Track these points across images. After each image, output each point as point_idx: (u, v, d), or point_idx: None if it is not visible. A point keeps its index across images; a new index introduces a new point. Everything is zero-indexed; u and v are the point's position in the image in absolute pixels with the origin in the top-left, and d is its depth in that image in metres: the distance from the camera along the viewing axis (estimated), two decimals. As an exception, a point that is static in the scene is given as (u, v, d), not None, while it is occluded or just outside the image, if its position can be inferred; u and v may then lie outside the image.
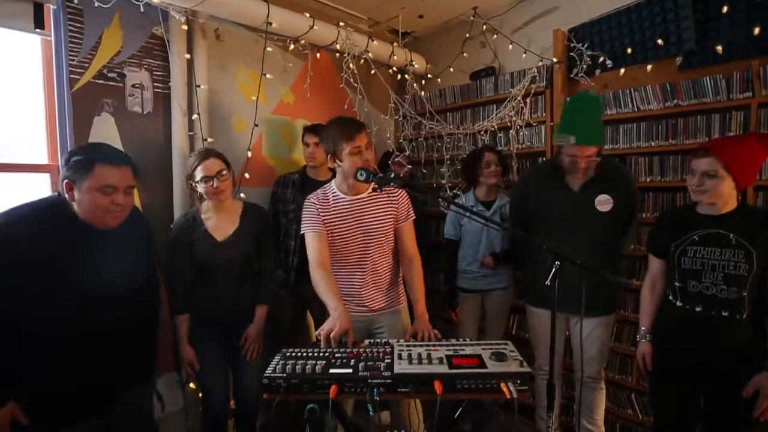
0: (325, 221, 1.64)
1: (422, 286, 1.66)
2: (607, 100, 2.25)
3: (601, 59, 2.29)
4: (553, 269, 1.32)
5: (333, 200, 1.67)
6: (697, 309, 1.50)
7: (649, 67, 2.14)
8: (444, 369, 1.11)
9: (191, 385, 2.13)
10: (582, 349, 1.89)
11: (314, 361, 1.17)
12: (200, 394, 1.95)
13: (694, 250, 1.51)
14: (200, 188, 1.72)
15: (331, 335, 1.31)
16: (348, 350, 1.27)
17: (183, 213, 1.81)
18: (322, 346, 1.30)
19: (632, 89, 2.16)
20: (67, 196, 1.24)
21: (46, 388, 1.23)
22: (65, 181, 1.23)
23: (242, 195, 2.27)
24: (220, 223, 1.80)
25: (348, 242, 1.66)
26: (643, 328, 1.72)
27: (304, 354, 1.24)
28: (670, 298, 1.60)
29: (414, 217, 1.73)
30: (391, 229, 1.70)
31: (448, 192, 2.87)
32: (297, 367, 1.13)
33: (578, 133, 1.75)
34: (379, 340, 1.42)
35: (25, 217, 1.21)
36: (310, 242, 1.62)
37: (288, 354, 1.25)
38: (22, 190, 1.81)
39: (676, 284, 1.56)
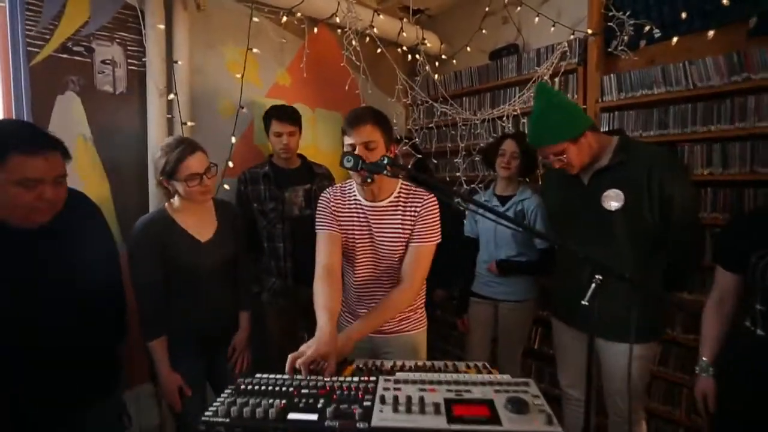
0: (339, 221, 1.39)
1: (387, 312, 1.31)
2: (654, 77, 1.88)
3: (647, 28, 1.92)
4: (593, 285, 1.00)
5: (349, 201, 1.41)
6: None
7: (710, 33, 1.75)
8: (440, 423, 0.81)
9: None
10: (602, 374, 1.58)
11: (272, 399, 0.90)
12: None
13: None
14: (181, 187, 1.44)
15: (299, 362, 1.04)
16: (321, 383, 0.99)
17: (149, 214, 1.55)
18: (286, 372, 1.04)
19: (687, 62, 1.78)
20: None
21: None
22: None
23: (226, 186, 2.03)
24: (198, 223, 1.54)
25: (357, 254, 1.40)
26: (704, 358, 1.35)
27: (264, 388, 0.97)
28: (747, 324, 1.23)
29: (435, 242, 1.36)
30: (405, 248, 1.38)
31: (465, 186, 2.54)
32: (246, 408, 0.86)
33: (530, 136, 1.51)
34: (363, 366, 1.16)
35: None
36: (319, 242, 1.39)
37: (243, 387, 0.98)
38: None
39: (758, 307, 1.19)
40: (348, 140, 1.29)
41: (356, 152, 1.26)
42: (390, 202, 1.36)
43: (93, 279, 1.23)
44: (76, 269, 1.19)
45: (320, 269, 1.32)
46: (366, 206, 1.37)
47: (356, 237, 1.39)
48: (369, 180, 1.26)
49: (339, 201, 1.41)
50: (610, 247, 1.41)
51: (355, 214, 1.39)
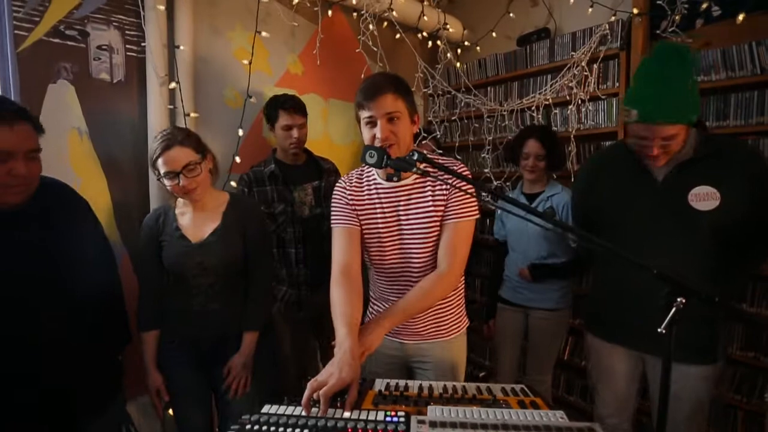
0: (358, 212, 1.23)
1: (423, 299, 1.15)
2: (713, 62, 1.66)
3: (704, 6, 1.70)
4: (672, 311, 0.82)
5: (368, 186, 1.24)
6: None
7: (786, 8, 1.54)
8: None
9: (170, 411, 1.78)
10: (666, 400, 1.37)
11: (282, 448, 0.74)
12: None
13: None
14: (166, 184, 1.34)
15: (319, 394, 0.88)
16: (341, 422, 0.83)
17: (155, 208, 1.45)
18: (302, 404, 0.88)
19: (753, 44, 1.56)
20: None
21: None
22: None
23: (233, 183, 1.87)
24: (197, 221, 1.41)
25: (383, 244, 1.23)
26: None
27: (273, 428, 0.82)
28: None
29: (473, 217, 1.20)
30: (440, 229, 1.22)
31: (494, 183, 2.35)
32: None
33: (644, 105, 1.17)
34: (385, 391, 0.98)
35: None
36: (335, 240, 1.23)
37: (248, 427, 0.82)
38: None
39: None
40: (366, 113, 1.12)
41: (378, 126, 1.10)
42: (416, 178, 1.19)
43: (81, 275, 1.14)
44: (58, 263, 1.10)
45: (336, 271, 1.17)
46: (389, 188, 1.20)
47: (380, 225, 1.21)
48: (395, 179, 1.08)
49: (356, 188, 1.24)
50: (689, 255, 1.21)
51: (377, 199, 1.21)
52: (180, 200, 1.42)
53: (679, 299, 0.80)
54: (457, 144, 2.55)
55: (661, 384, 0.88)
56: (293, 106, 1.80)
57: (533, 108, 2.20)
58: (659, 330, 0.82)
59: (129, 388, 1.40)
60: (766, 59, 1.54)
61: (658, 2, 1.82)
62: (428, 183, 1.19)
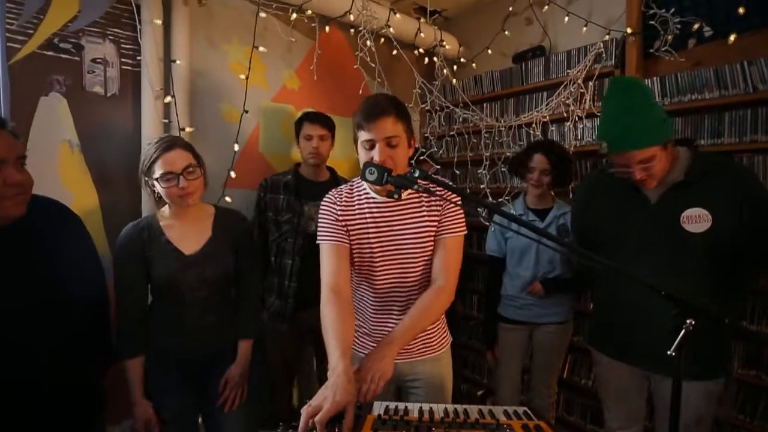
0: (349, 229, 1.20)
1: (426, 316, 1.14)
2: (706, 80, 1.69)
3: (696, 26, 1.73)
4: (682, 332, 0.80)
5: (359, 202, 1.21)
6: None
7: (777, 29, 1.57)
8: None
9: (158, 436, 1.70)
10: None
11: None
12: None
13: None
14: (160, 188, 1.30)
15: (315, 420, 0.84)
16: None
17: (134, 221, 1.38)
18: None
19: (746, 63, 1.59)
20: None
21: None
22: None
23: (227, 199, 1.84)
24: (187, 233, 1.37)
25: (375, 261, 1.20)
26: None
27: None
28: None
29: (463, 233, 1.22)
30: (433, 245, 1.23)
31: (489, 200, 2.34)
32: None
33: (611, 136, 1.22)
34: (385, 416, 0.94)
35: None
36: (324, 257, 1.18)
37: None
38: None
39: None
40: (365, 135, 1.10)
41: (377, 149, 1.09)
42: (410, 193, 1.18)
43: (68, 291, 1.11)
44: (51, 282, 1.08)
45: (327, 291, 1.12)
46: (382, 203, 1.18)
47: (373, 241, 1.18)
48: (396, 196, 1.06)
49: (347, 203, 1.21)
50: (684, 276, 1.20)
51: (369, 215, 1.18)
52: (165, 212, 1.38)
53: (689, 321, 0.79)
54: (454, 159, 2.55)
55: (671, 407, 0.85)
56: (316, 117, 1.86)
57: (531, 125, 2.21)
58: (669, 353, 0.80)
59: (111, 412, 1.33)
60: (758, 78, 1.57)
61: (651, 22, 1.86)
62: (422, 198, 1.19)
